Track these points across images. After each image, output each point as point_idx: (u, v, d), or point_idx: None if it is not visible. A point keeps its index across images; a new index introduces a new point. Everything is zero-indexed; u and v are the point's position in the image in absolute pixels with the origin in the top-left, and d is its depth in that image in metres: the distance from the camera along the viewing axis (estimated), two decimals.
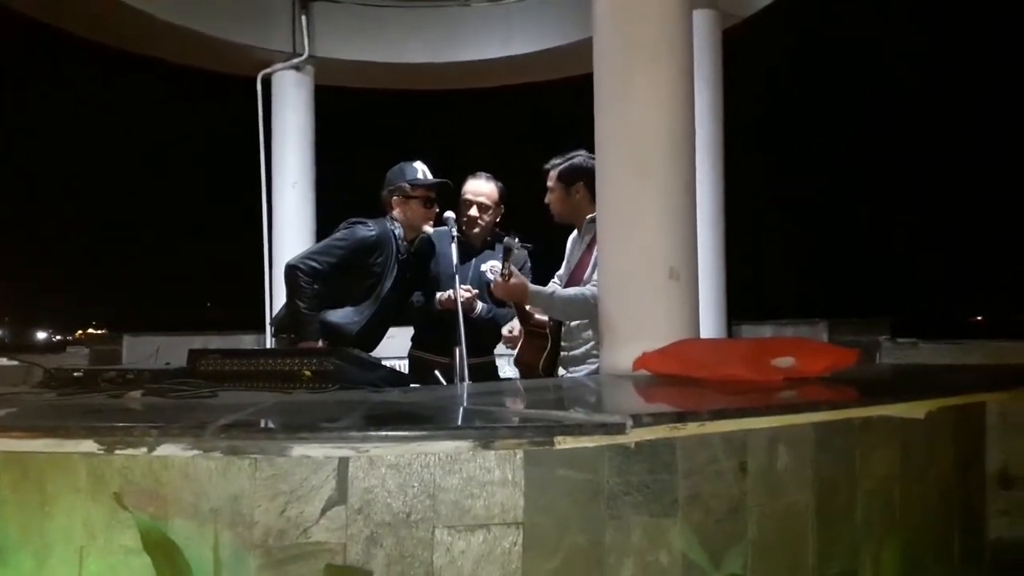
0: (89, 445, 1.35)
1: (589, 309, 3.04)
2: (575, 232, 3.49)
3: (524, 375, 3.48)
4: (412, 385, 2.95)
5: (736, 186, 6.31)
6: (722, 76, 5.98)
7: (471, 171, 3.82)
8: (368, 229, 3.54)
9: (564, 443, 1.39)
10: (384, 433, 1.36)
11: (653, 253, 2.62)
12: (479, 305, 3.61)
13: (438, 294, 3.62)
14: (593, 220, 3.30)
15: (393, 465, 1.40)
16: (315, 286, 3.38)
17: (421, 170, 3.67)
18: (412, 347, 3.87)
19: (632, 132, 2.70)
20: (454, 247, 3.51)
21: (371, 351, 3.55)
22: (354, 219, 3.60)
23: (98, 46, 6.60)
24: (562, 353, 3.35)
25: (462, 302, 3.38)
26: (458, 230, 3.61)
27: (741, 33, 6.39)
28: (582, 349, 3.25)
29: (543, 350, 3.36)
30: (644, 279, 2.62)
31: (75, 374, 2.19)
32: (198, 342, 5.94)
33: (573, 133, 3.41)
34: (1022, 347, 4.62)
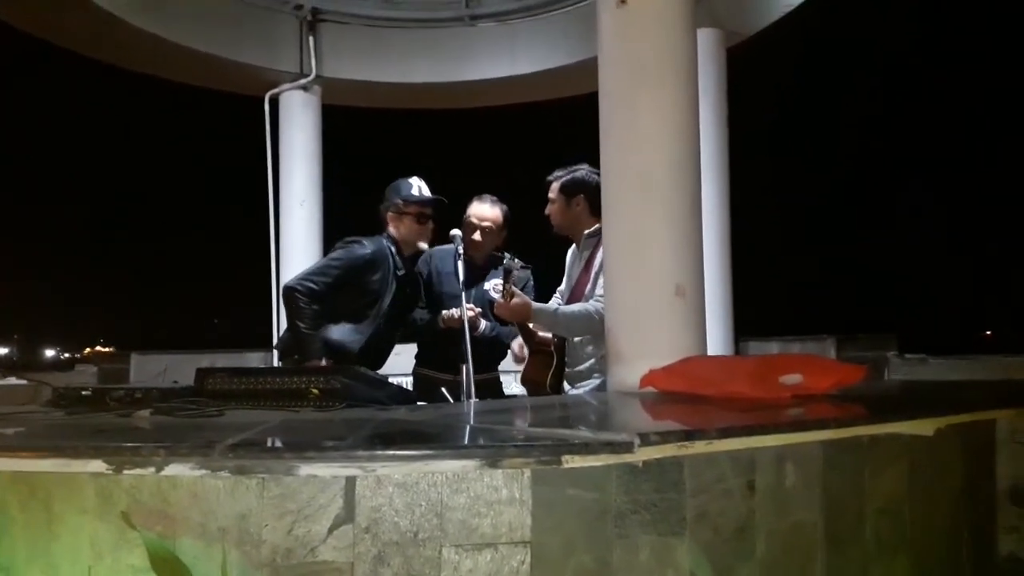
0: (97, 465, 1.35)
1: (593, 325, 3.04)
2: (573, 247, 3.51)
3: (531, 393, 3.48)
4: (419, 403, 2.96)
5: (742, 202, 6.32)
6: (727, 93, 6.00)
7: (476, 190, 3.84)
8: (363, 248, 3.55)
9: (571, 462, 1.39)
10: (391, 452, 1.36)
11: (659, 270, 2.63)
12: (483, 323, 3.62)
13: (443, 312, 3.62)
14: (592, 235, 3.32)
15: (400, 484, 1.40)
16: (313, 306, 3.40)
17: (417, 186, 3.67)
18: (416, 365, 3.87)
19: (637, 151, 2.71)
20: (460, 265, 3.51)
21: (378, 368, 3.58)
22: (350, 238, 3.61)
23: (109, 67, 6.67)
24: (567, 369, 3.35)
25: (467, 320, 3.38)
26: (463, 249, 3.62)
27: (747, 50, 6.42)
28: (586, 364, 3.25)
29: (549, 367, 3.37)
30: (650, 296, 2.63)
31: (83, 393, 2.20)
32: (205, 360, 5.96)
33: (578, 152, 3.43)
34: None
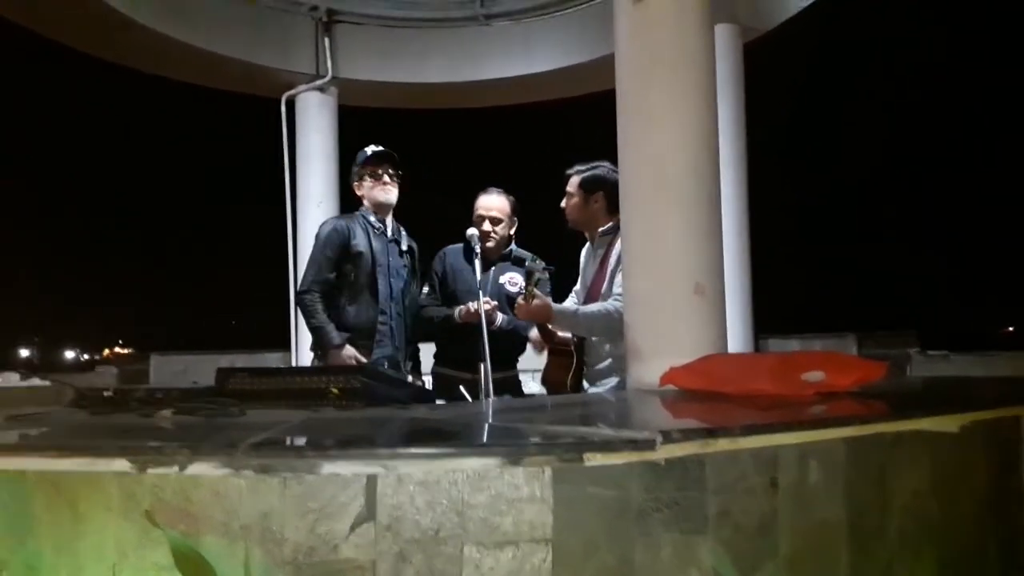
0: (121, 464, 1.36)
1: (613, 324, 3.03)
2: (588, 245, 3.50)
3: (551, 392, 3.48)
4: (438, 402, 2.96)
5: (761, 198, 6.29)
6: (744, 89, 5.98)
7: (501, 189, 3.86)
8: (326, 224, 3.83)
9: (593, 460, 1.38)
10: (412, 451, 1.36)
11: (678, 268, 2.62)
12: (499, 317, 3.62)
13: (459, 307, 3.63)
14: (606, 233, 3.32)
15: (421, 482, 1.40)
16: (319, 301, 3.62)
17: (370, 149, 3.84)
18: (435, 364, 3.89)
19: (655, 148, 2.70)
20: (477, 263, 3.54)
21: (412, 343, 3.83)
22: (320, 226, 3.86)
23: (126, 70, 6.73)
24: (586, 368, 3.35)
25: (484, 313, 3.39)
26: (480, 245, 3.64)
27: (765, 45, 6.38)
28: (605, 363, 3.24)
29: (569, 367, 3.36)
30: (670, 294, 2.62)
31: (105, 394, 2.22)
32: (224, 361, 6.00)
33: (595, 150, 3.43)
34: None
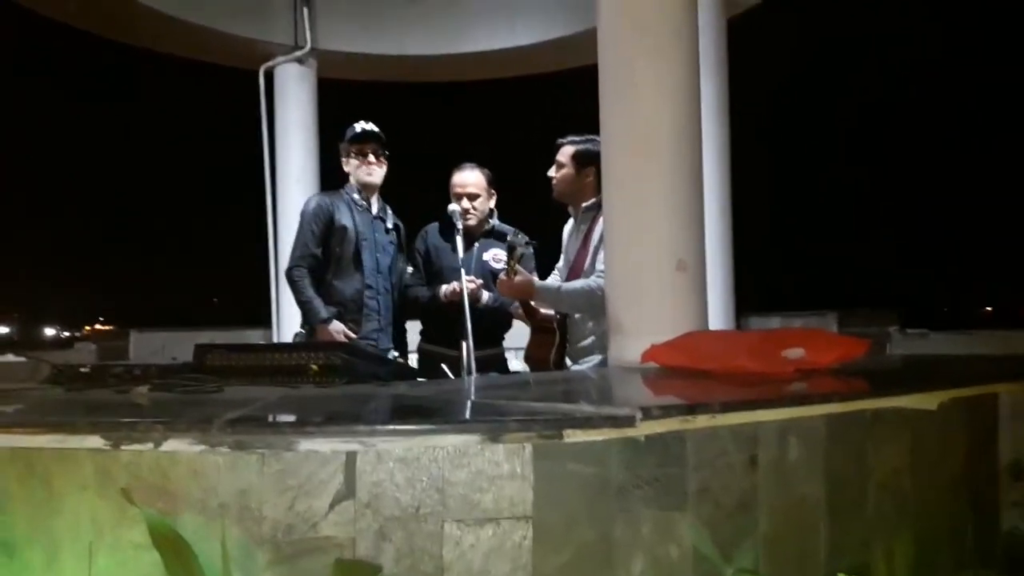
0: (95, 441, 1.34)
1: (596, 301, 3.02)
2: (571, 222, 3.48)
3: (534, 370, 3.47)
4: (419, 379, 2.95)
5: (743, 176, 6.29)
6: (727, 65, 5.95)
7: (475, 163, 3.82)
8: (314, 198, 3.83)
9: (573, 436, 1.38)
10: (391, 427, 1.35)
11: (660, 245, 2.60)
12: (484, 294, 3.61)
13: (443, 287, 3.61)
14: (589, 208, 3.29)
15: (401, 459, 1.39)
16: (306, 277, 3.62)
17: (358, 126, 3.81)
18: (420, 341, 3.87)
19: (637, 122, 2.68)
20: (459, 240, 3.52)
21: (402, 320, 3.87)
22: (305, 202, 3.84)
23: (99, 39, 6.61)
24: (568, 346, 3.34)
25: (468, 292, 3.38)
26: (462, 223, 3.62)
27: (748, 21, 6.36)
28: (588, 341, 3.24)
29: (552, 344, 3.35)
30: (652, 271, 2.61)
31: (82, 370, 2.19)
32: (204, 338, 5.95)
33: (578, 125, 3.39)
34: None
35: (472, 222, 3.72)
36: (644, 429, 1.42)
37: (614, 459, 1.48)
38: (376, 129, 3.80)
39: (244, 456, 1.36)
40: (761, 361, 2.08)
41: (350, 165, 3.81)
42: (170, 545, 1.34)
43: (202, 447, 1.33)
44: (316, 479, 1.37)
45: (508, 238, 3.32)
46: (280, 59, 6.68)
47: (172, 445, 1.33)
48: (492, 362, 3.65)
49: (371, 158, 3.78)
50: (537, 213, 4.02)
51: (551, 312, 3.38)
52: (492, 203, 3.83)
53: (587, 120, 2.98)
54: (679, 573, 1.52)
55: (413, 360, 3.87)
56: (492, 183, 3.81)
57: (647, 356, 2.34)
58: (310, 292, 3.59)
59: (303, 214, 3.74)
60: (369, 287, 3.67)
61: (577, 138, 3.38)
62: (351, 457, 1.38)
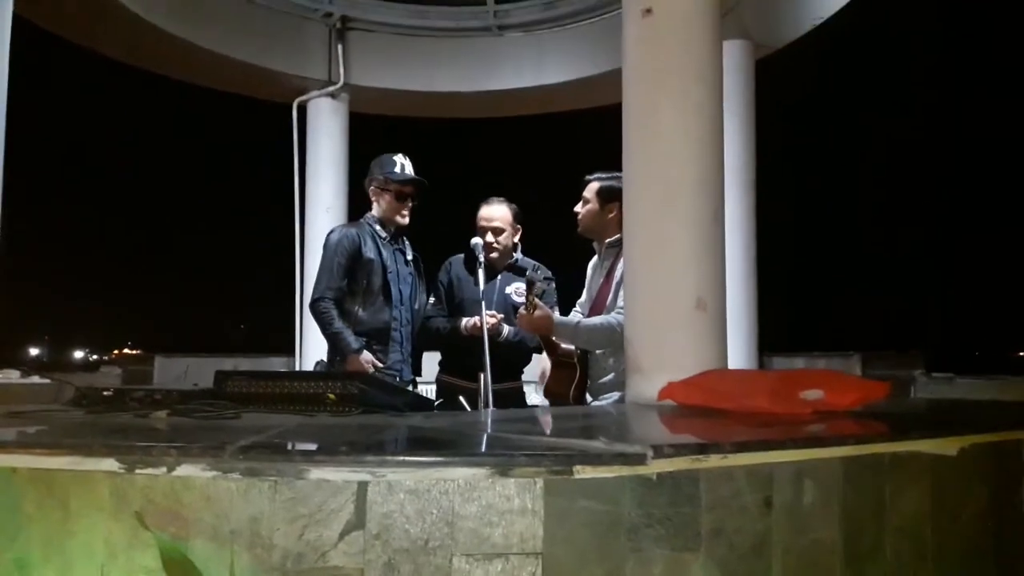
0: (110, 464, 1.36)
1: (614, 338, 3.02)
2: (595, 258, 3.49)
3: (553, 405, 3.47)
4: (436, 410, 2.96)
5: (770, 215, 6.28)
6: (755, 105, 5.97)
7: (503, 197, 3.86)
8: (334, 233, 3.80)
9: (583, 472, 1.38)
10: (401, 458, 1.35)
11: (680, 283, 2.60)
12: (505, 329, 3.62)
13: (464, 320, 3.63)
14: (613, 244, 3.31)
15: (412, 491, 1.39)
16: (334, 309, 3.61)
17: (400, 164, 3.80)
18: (440, 372, 3.89)
19: (659, 162, 2.70)
20: (481, 273, 3.54)
21: (419, 350, 3.87)
22: (328, 234, 3.84)
23: (140, 71, 6.77)
24: (589, 382, 3.33)
25: (488, 327, 3.39)
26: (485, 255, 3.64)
27: (778, 61, 6.39)
28: (608, 377, 3.23)
29: (572, 380, 3.34)
30: (671, 309, 2.61)
31: (104, 393, 2.22)
32: (228, 363, 6.01)
33: (603, 163, 3.42)
34: None
35: (495, 256, 3.74)
36: (655, 467, 1.41)
37: (626, 497, 1.47)
38: (421, 178, 3.81)
39: (256, 483, 1.37)
40: (779, 402, 2.06)
41: (383, 200, 3.81)
42: (180, 570, 1.34)
43: (215, 473, 1.35)
44: (327, 508, 1.38)
45: (527, 273, 3.33)
46: (314, 93, 6.82)
47: (185, 470, 1.34)
48: (511, 396, 3.65)
49: (409, 202, 3.81)
50: (563, 249, 4.04)
51: (571, 347, 3.38)
52: (517, 238, 3.85)
53: (613, 157, 3.01)
54: None
55: (426, 389, 3.88)
56: (518, 217, 3.84)
57: (664, 394, 2.33)
58: (339, 323, 3.59)
59: (327, 246, 3.76)
60: (394, 318, 3.69)
61: (604, 175, 3.40)
62: (362, 487, 1.38)
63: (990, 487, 2.06)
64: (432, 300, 3.88)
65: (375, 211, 3.84)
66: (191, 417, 1.87)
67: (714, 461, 1.49)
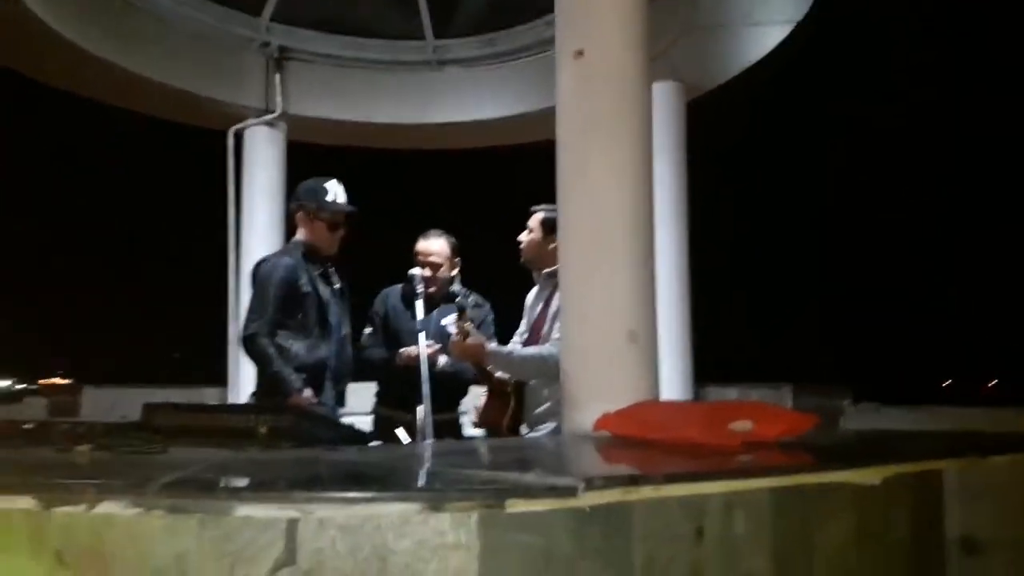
0: (26, 502, 1.31)
1: (547, 368, 3.04)
2: (535, 288, 3.52)
3: (488, 435, 3.46)
4: (372, 443, 2.92)
5: (704, 250, 6.41)
6: (686, 144, 6.12)
7: (441, 230, 3.87)
8: (267, 262, 3.61)
9: (515, 506, 1.37)
10: (330, 494, 1.33)
11: (612, 317, 2.64)
12: (442, 358, 3.61)
13: (400, 350, 3.61)
14: (551, 275, 3.34)
15: (343, 527, 1.37)
16: (271, 346, 3.41)
17: (334, 192, 3.64)
18: (375, 404, 3.85)
19: (590, 201, 2.75)
20: (419, 304, 3.53)
21: (353, 381, 3.72)
22: (257, 264, 3.66)
23: (70, 97, 6.62)
24: (524, 412, 3.34)
25: (426, 356, 3.38)
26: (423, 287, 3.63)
27: (708, 103, 6.57)
28: (544, 407, 3.24)
29: (506, 409, 3.35)
30: (603, 342, 2.64)
31: (25, 427, 2.14)
32: (159, 395, 5.82)
33: (540, 198, 3.46)
34: (986, 413, 4.68)
35: (432, 289, 3.74)
36: (587, 500, 1.42)
37: (560, 530, 1.47)
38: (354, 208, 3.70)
39: (182, 520, 1.33)
40: (709, 432, 2.09)
41: (314, 228, 3.64)
42: None
43: (137, 510, 1.31)
44: (256, 545, 1.34)
45: (457, 300, 3.34)
46: (251, 122, 6.73)
47: (106, 507, 1.30)
48: (447, 426, 3.63)
49: (341, 231, 3.67)
50: (501, 281, 4.06)
51: (506, 377, 3.39)
52: (455, 271, 3.86)
53: (550, 192, 3.04)
54: None
55: (354, 421, 3.81)
56: (456, 251, 3.84)
57: (599, 424, 2.35)
58: (279, 362, 3.39)
59: (259, 276, 3.58)
60: (330, 354, 3.60)
61: (549, 207, 3.43)
62: (292, 524, 1.35)
63: (914, 515, 2.12)
64: (368, 330, 3.85)
65: (302, 237, 3.68)
66: (115, 452, 1.82)
67: (646, 492, 1.51)
